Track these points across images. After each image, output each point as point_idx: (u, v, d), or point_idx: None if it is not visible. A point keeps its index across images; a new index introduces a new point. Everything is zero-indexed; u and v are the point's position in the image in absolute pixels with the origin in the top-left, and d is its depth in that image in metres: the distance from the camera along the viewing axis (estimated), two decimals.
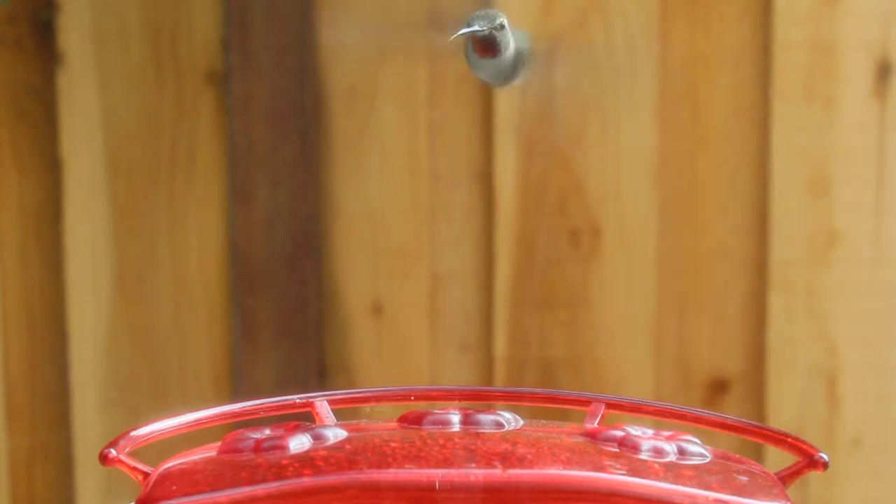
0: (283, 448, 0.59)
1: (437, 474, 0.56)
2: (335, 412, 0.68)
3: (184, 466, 0.60)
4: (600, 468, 0.58)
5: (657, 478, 0.58)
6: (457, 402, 0.70)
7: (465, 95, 1.05)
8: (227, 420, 0.67)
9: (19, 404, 1.42)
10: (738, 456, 0.64)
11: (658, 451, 0.60)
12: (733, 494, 0.58)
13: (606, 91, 1.35)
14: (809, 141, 1.35)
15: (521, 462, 0.57)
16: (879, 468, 1.38)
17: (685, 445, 0.61)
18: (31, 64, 1.38)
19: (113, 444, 0.61)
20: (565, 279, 1.38)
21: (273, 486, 0.57)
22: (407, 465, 0.57)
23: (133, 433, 0.63)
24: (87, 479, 1.42)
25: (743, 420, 0.67)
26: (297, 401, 0.68)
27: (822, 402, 1.37)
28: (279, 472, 0.57)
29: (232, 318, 1.40)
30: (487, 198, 1.38)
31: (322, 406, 0.68)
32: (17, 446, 1.42)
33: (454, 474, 0.56)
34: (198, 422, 0.66)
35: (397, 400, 0.70)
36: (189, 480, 0.58)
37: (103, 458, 0.61)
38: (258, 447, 0.60)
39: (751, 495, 0.59)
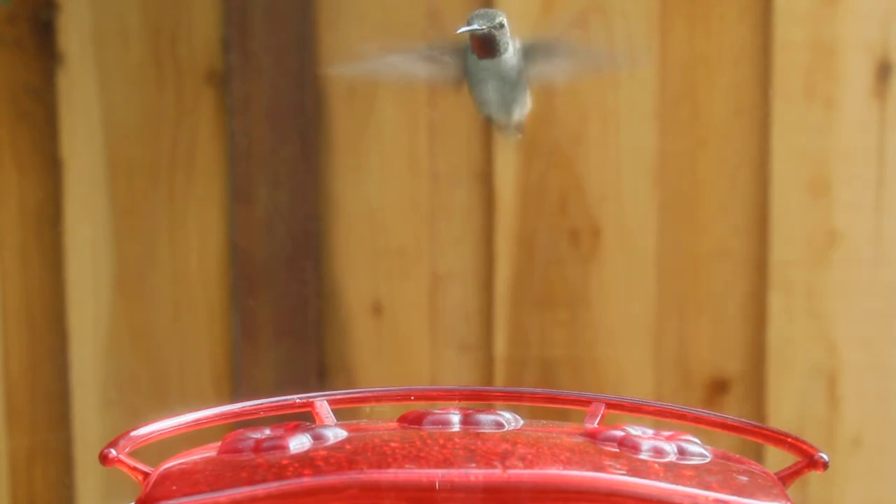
0: (283, 448, 0.59)
1: (437, 474, 0.56)
2: (335, 412, 0.68)
3: (184, 466, 0.60)
4: (600, 468, 0.58)
5: (657, 478, 0.58)
6: (457, 402, 0.70)
7: (465, 95, 1.05)
8: (227, 420, 0.67)
9: (19, 404, 1.42)
10: (738, 456, 0.64)
11: (658, 451, 0.60)
12: (733, 494, 0.58)
13: (606, 91, 1.35)
14: (809, 141, 1.35)
15: (521, 462, 0.57)
16: (879, 468, 1.38)
17: (685, 445, 0.61)
18: (31, 64, 1.38)
19: (113, 444, 0.61)
20: (565, 279, 1.38)
21: (273, 486, 0.57)
22: (407, 465, 0.57)
23: (133, 433, 0.63)
24: (87, 479, 1.42)
25: (743, 420, 0.67)
26: (297, 401, 0.68)
27: (822, 402, 1.37)
28: (279, 472, 0.57)
29: (232, 318, 1.40)
30: (487, 198, 1.38)
31: (322, 406, 0.68)
32: (17, 446, 1.42)
33: (454, 474, 0.56)
34: (198, 422, 0.66)
35: (397, 400, 0.70)
36: (189, 480, 0.58)
37: (103, 458, 0.61)
38: (258, 447, 0.60)
39: (751, 495, 0.59)
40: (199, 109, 1.38)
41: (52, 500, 1.43)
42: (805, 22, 1.33)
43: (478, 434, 0.61)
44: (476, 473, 0.56)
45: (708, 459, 0.61)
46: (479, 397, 0.72)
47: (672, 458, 0.60)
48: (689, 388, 1.38)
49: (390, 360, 1.40)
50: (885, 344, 1.37)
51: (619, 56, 1.34)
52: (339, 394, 0.69)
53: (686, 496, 0.57)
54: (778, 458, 0.65)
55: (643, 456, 0.60)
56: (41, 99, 1.38)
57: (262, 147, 1.38)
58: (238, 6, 1.36)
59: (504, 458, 0.58)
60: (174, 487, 0.58)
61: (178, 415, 0.65)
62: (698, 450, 0.62)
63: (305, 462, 0.58)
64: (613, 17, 1.34)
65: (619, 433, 0.62)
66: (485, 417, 0.63)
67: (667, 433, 0.62)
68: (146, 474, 0.61)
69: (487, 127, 1.35)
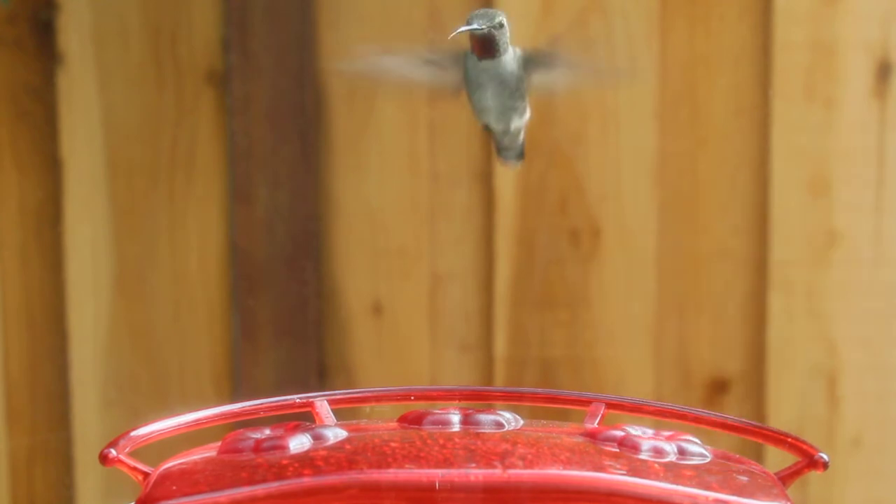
0: (283, 448, 0.59)
1: (437, 474, 0.56)
2: (335, 412, 0.68)
3: (184, 466, 0.60)
4: (600, 468, 0.58)
5: (657, 478, 0.58)
6: (457, 402, 0.70)
7: (464, 96, 1.05)
8: (227, 420, 0.67)
9: (19, 404, 1.42)
10: (738, 456, 0.64)
11: (658, 451, 0.60)
12: (733, 494, 0.58)
13: (606, 91, 1.35)
14: (809, 141, 1.35)
15: (521, 462, 0.57)
16: (879, 468, 1.38)
17: (685, 445, 0.61)
18: (31, 64, 1.38)
19: (113, 444, 0.61)
20: (565, 279, 1.38)
21: (273, 486, 0.57)
22: (407, 465, 0.57)
23: (133, 433, 0.63)
24: (87, 479, 1.42)
25: (743, 420, 0.67)
26: (297, 401, 0.68)
27: (822, 402, 1.37)
28: (279, 472, 0.57)
29: (232, 318, 1.40)
30: (487, 198, 1.38)
31: (322, 406, 0.68)
32: (17, 446, 1.42)
33: (454, 474, 0.56)
34: (198, 422, 0.66)
35: (397, 400, 0.70)
36: (189, 480, 0.58)
37: (103, 458, 0.61)
38: (258, 447, 0.60)
39: (751, 495, 0.59)
40: (199, 109, 1.38)
41: (52, 500, 1.43)
42: (805, 22, 1.33)
43: (478, 434, 0.61)
44: (476, 473, 0.56)
45: (708, 459, 0.61)
46: (479, 397, 0.72)
47: (672, 458, 0.60)
48: (689, 388, 1.38)
49: (390, 360, 1.40)
50: (885, 344, 1.37)
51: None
52: (339, 394, 0.69)
53: (686, 496, 0.57)
54: (778, 458, 0.65)
55: (643, 456, 0.60)
56: (41, 99, 1.38)
57: (262, 147, 1.38)
58: (238, 6, 1.36)
59: (504, 458, 0.58)
60: (174, 487, 0.58)
61: (178, 415, 0.65)
62: (698, 450, 0.62)
63: (305, 462, 0.58)
64: (613, 17, 1.34)
65: (619, 433, 0.62)
66: (485, 417, 0.63)
67: (667, 433, 0.62)
68: (146, 474, 0.61)
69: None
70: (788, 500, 0.59)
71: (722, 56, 1.35)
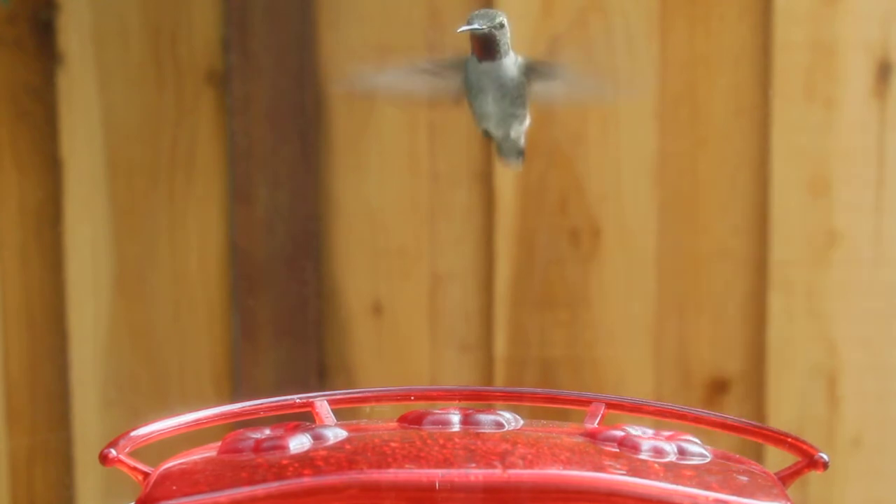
0: (283, 448, 0.59)
1: (437, 474, 0.56)
2: (335, 412, 0.68)
3: (184, 466, 0.60)
4: (600, 468, 0.58)
5: (657, 478, 0.58)
6: (457, 402, 0.70)
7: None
8: (227, 420, 0.67)
9: (19, 404, 1.42)
10: (738, 456, 0.64)
11: (658, 451, 0.60)
12: (733, 494, 0.58)
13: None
14: (809, 141, 1.35)
15: (521, 462, 0.57)
16: (879, 468, 1.38)
17: (685, 445, 0.61)
18: (31, 64, 1.38)
19: (113, 444, 0.61)
20: (565, 279, 1.38)
21: (273, 486, 0.57)
22: (407, 465, 0.57)
23: (133, 433, 0.63)
24: (87, 479, 1.42)
25: (743, 420, 0.67)
26: (297, 401, 0.68)
27: (822, 402, 1.37)
28: (279, 472, 0.57)
29: (232, 318, 1.40)
30: (487, 198, 1.38)
31: (322, 406, 0.68)
32: (17, 446, 1.42)
33: (454, 474, 0.56)
34: (198, 422, 0.66)
35: (397, 400, 0.70)
36: (189, 480, 0.58)
37: (103, 458, 0.61)
38: (258, 447, 0.60)
39: (751, 495, 0.59)
40: (199, 109, 1.38)
41: (52, 500, 1.43)
42: (805, 22, 1.33)
43: (478, 434, 0.61)
44: (476, 473, 0.56)
45: (708, 459, 0.61)
46: (479, 397, 0.72)
47: (672, 458, 0.60)
48: (689, 388, 1.38)
49: (390, 360, 1.40)
50: (885, 344, 1.37)
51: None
52: (339, 394, 0.69)
53: (686, 496, 0.57)
54: (778, 458, 0.65)
55: (643, 456, 0.60)
56: (41, 99, 1.38)
57: (262, 147, 1.38)
58: (238, 6, 1.36)
59: (504, 458, 0.58)
60: (174, 487, 0.58)
61: (178, 415, 0.65)
62: (698, 450, 0.62)
63: (305, 462, 0.58)
64: (613, 17, 1.34)
65: (619, 433, 0.62)
66: (485, 417, 0.63)
67: (667, 433, 0.62)
68: (146, 474, 0.61)
69: None
70: (788, 500, 0.59)
71: (722, 56, 1.35)
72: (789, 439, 0.64)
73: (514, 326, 1.38)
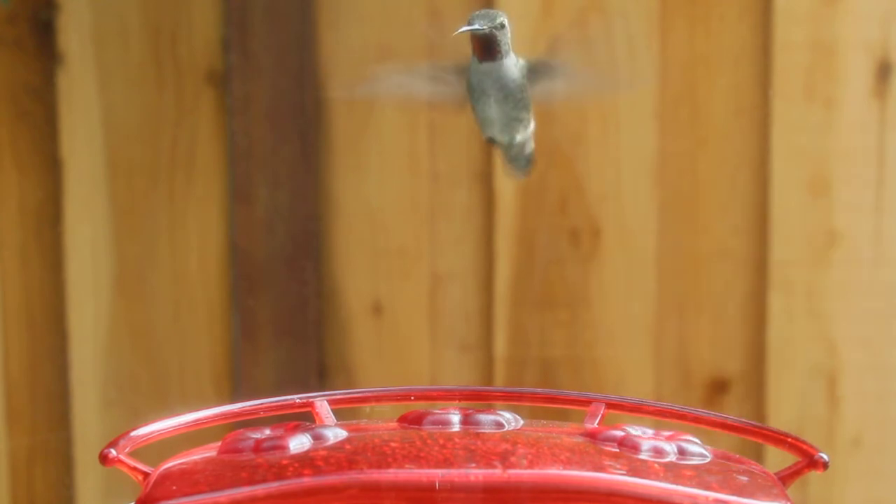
0: (283, 448, 0.59)
1: (437, 474, 0.56)
2: (335, 412, 0.68)
3: (184, 466, 0.60)
4: (600, 468, 0.58)
5: (657, 478, 0.58)
6: (457, 402, 0.70)
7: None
8: (227, 420, 0.67)
9: (19, 404, 1.42)
10: (738, 456, 0.64)
11: (658, 451, 0.60)
12: (733, 494, 0.58)
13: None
14: (809, 141, 1.35)
15: (521, 462, 0.57)
16: (879, 468, 1.38)
17: (685, 445, 0.61)
18: (31, 64, 1.38)
19: (113, 444, 0.61)
20: (565, 279, 1.38)
21: (273, 486, 0.57)
22: (407, 465, 0.57)
23: (133, 433, 0.63)
24: (87, 479, 1.42)
25: (743, 420, 0.67)
26: (297, 401, 0.68)
27: (822, 402, 1.37)
28: (279, 472, 0.57)
29: (232, 318, 1.40)
30: (487, 198, 1.38)
31: (322, 406, 0.68)
32: (17, 446, 1.42)
33: (454, 474, 0.56)
34: (198, 422, 0.66)
35: (397, 400, 0.70)
36: (189, 480, 0.58)
37: (103, 458, 0.61)
38: (258, 447, 0.60)
39: (751, 495, 0.59)
40: (199, 109, 1.38)
41: (52, 500, 1.43)
42: (805, 22, 1.33)
43: (478, 434, 0.61)
44: (476, 473, 0.56)
45: (708, 459, 0.61)
46: (479, 397, 0.72)
47: (672, 458, 0.60)
48: (689, 388, 1.38)
49: (390, 360, 1.40)
50: (885, 344, 1.37)
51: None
52: (339, 394, 0.69)
53: (686, 496, 0.57)
54: (778, 458, 0.65)
55: (643, 456, 0.60)
56: (41, 99, 1.38)
57: (262, 147, 1.38)
58: (238, 6, 1.36)
59: (504, 458, 0.58)
60: (174, 487, 0.58)
61: (178, 415, 0.65)
62: (698, 450, 0.62)
63: (305, 462, 0.58)
64: (613, 17, 1.34)
65: (619, 433, 0.62)
66: (485, 417, 0.63)
67: (667, 433, 0.62)
68: (146, 474, 0.61)
69: None
70: (788, 500, 0.59)
71: (722, 56, 1.35)
72: (789, 439, 0.64)
73: (514, 326, 1.38)
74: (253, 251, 1.39)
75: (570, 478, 0.57)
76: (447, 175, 1.38)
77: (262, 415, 0.67)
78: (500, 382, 1.38)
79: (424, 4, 1.35)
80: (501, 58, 1.02)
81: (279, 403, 0.68)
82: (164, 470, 0.60)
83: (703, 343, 1.38)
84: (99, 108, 1.38)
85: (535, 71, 1.04)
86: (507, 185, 1.37)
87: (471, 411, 0.63)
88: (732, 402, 1.38)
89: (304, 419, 0.64)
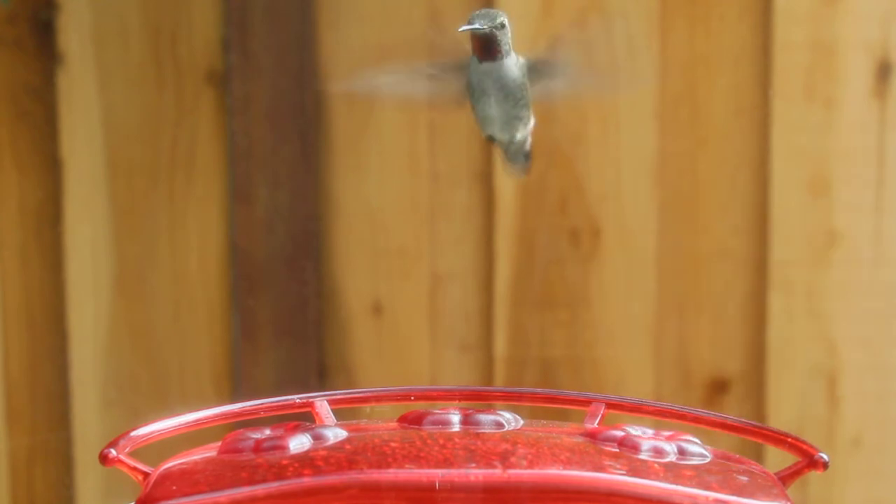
0: (283, 448, 0.59)
1: (437, 474, 0.56)
2: (335, 412, 0.68)
3: (184, 466, 0.60)
4: (600, 468, 0.58)
5: (657, 478, 0.58)
6: (457, 402, 0.70)
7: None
8: (227, 420, 0.67)
9: (19, 404, 1.42)
10: (738, 456, 0.64)
11: (658, 451, 0.60)
12: (733, 494, 0.58)
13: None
14: (809, 141, 1.35)
15: (521, 462, 0.57)
16: (879, 468, 1.38)
17: (685, 445, 0.61)
18: (31, 64, 1.38)
19: (113, 444, 0.61)
20: (565, 279, 1.38)
21: (273, 486, 0.57)
22: (407, 465, 0.57)
23: (133, 433, 0.63)
24: (87, 479, 1.42)
25: (743, 420, 0.67)
26: (297, 401, 0.68)
27: (822, 402, 1.37)
28: (279, 472, 0.57)
29: (232, 318, 1.40)
30: (487, 198, 1.38)
31: (322, 406, 0.68)
32: (17, 446, 1.42)
33: (454, 474, 0.56)
34: (198, 422, 0.66)
35: (397, 400, 0.70)
36: (189, 480, 0.58)
37: (103, 458, 0.61)
38: (258, 447, 0.60)
39: (751, 495, 0.59)
40: (199, 109, 1.38)
41: (52, 500, 1.43)
42: (805, 22, 1.33)
43: (478, 434, 0.61)
44: (476, 473, 0.56)
45: (708, 459, 0.61)
46: (479, 397, 0.72)
47: (672, 458, 0.60)
48: (689, 388, 1.38)
49: (390, 360, 1.40)
50: (885, 344, 1.37)
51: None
52: (339, 394, 0.69)
53: (686, 496, 0.57)
54: (778, 458, 0.65)
55: (643, 456, 0.60)
56: (41, 99, 1.38)
57: (262, 147, 1.38)
58: (238, 6, 1.36)
59: (504, 458, 0.57)
60: (174, 487, 0.58)
61: (178, 415, 0.65)
62: (698, 450, 0.62)
63: (305, 462, 0.58)
64: (613, 17, 1.34)
65: (619, 433, 0.62)
66: (485, 417, 0.63)
67: (667, 433, 0.62)
68: (146, 474, 0.61)
69: None
70: (788, 500, 0.59)
71: (722, 56, 1.35)
72: (789, 439, 0.64)
73: (514, 326, 1.38)
74: (253, 251, 1.39)
75: (570, 478, 0.57)
76: (447, 175, 1.38)
77: (262, 415, 0.67)
78: (500, 382, 1.38)
79: (424, 4, 1.35)
80: (502, 57, 1.02)
81: (279, 403, 0.68)
82: (164, 470, 0.60)
83: (703, 343, 1.38)
84: (99, 108, 1.38)
85: (536, 69, 1.04)
86: (507, 185, 1.37)
87: (471, 411, 0.63)
88: (732, 402, 1.38)
89: (304, 419, 0.64)
